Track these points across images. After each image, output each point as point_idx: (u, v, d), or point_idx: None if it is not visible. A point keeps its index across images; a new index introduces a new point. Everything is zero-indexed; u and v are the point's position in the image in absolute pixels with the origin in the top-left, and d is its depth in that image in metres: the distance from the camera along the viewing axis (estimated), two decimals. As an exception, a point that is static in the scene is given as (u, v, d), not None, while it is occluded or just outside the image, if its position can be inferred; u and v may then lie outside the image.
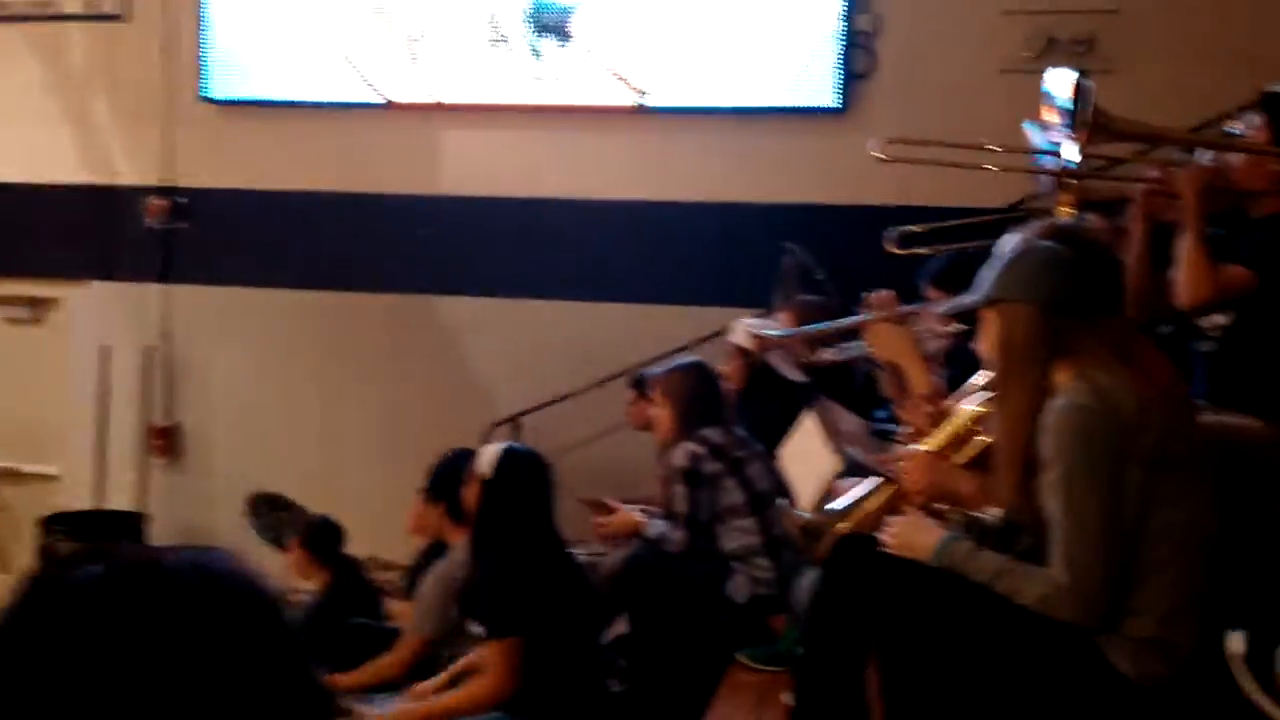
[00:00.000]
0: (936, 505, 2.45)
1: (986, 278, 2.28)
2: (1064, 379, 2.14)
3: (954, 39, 5.18)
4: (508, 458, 3.15)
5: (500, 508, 3.08)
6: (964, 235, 3.53)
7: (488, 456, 3.15)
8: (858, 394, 3.79)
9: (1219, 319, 2.86)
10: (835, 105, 5.29)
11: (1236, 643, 1.60)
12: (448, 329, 5.66)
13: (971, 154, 3.68)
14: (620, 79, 5.46)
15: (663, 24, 5.42)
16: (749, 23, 5.35)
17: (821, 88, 5.32)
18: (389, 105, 5.63)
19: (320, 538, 4.07)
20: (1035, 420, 2.12)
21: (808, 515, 2.64)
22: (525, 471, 3.16)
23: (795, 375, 3.71)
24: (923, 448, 2.46)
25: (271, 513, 4.97)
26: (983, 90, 4.92)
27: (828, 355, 3.30)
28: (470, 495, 3.15)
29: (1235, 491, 2.48)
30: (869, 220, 4.44)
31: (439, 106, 5.59)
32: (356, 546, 4.63)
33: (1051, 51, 4.99)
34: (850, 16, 5.24)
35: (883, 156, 3.25)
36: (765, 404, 3.75)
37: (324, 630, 3.60)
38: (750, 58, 5.36)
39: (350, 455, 5.71)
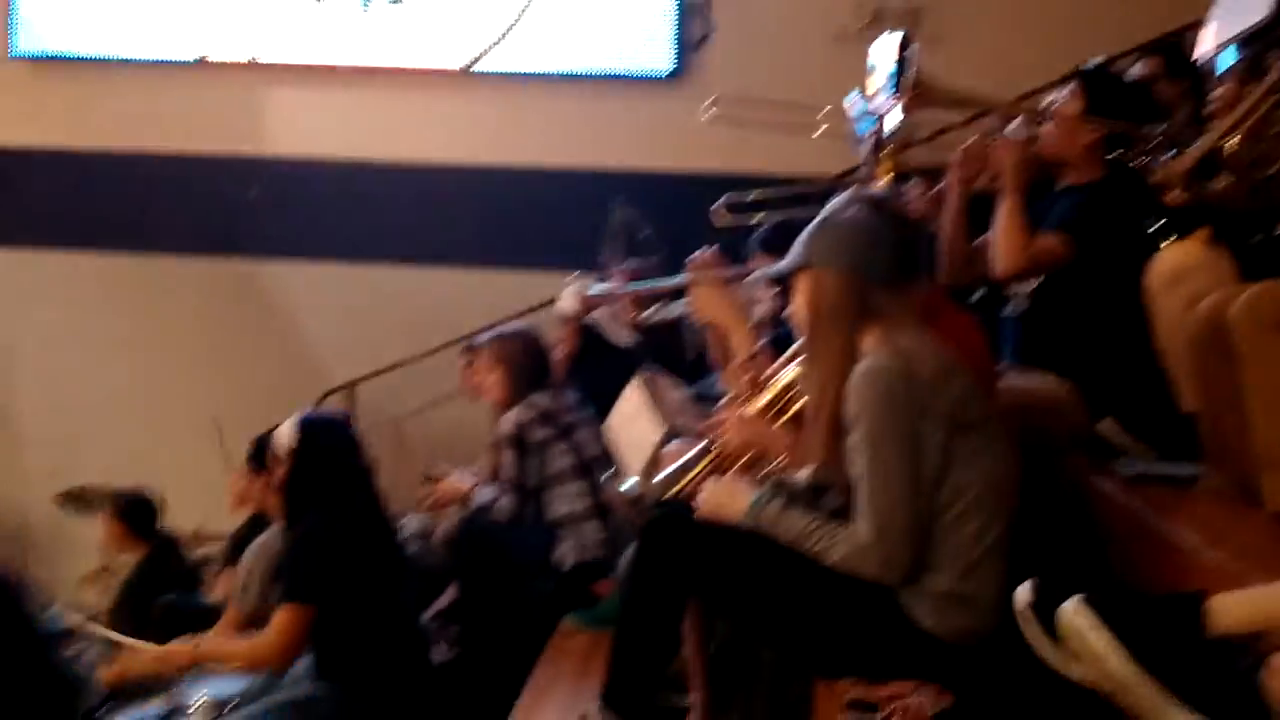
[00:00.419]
0: (758, 468, 2.48)
1: (799, 245, 2.32)
2: (870, 342, 2.19)
3: (787, 7, 5.24)
4: (310, 427, 3.06)
5: (307, 478, 3.00)
6: (791, 203, 3.58)
7: (289, 428, 3.06)
8: (691, 362, 3.82)
9: (1028, 283, 2.96)
10: (669, 72, 5.31)
11: (1024, 593, 1.67)
12: (275, 295, 5.50)
13: (800, 120, 3.73)
14: (451, 40, 5.36)
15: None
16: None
17: (656, 54, 5.33)
18: (204, 62, 5.40)
19: (133, 511, 3.91)
20: (843, 382, 2.16)
21: (633, 485, 2.64)
22: (330, 439, 3.08)
23: (625, 339, 3.71)
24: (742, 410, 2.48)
25: (82, 506, 4.75)
26: (815, 59, 4.98)
27: (652, 316, 3.30)
28: (278, 468, 3.06)
29: (1032, 449, 2.58)
30: (702, 187, 4.47)
31: (255, 65, 5.39)
32: (184, 518, 4.48)
33: (881, 21, 5.08)
34: (685, -16, 5.26)
35: (709, 119, 3.26)
36: (597, 370, 3.74)
37: (138, 605, 3.47)
38: (586, 23, 5.33)
39: (175, 426, 5.49)
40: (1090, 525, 2.47)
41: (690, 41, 5.32)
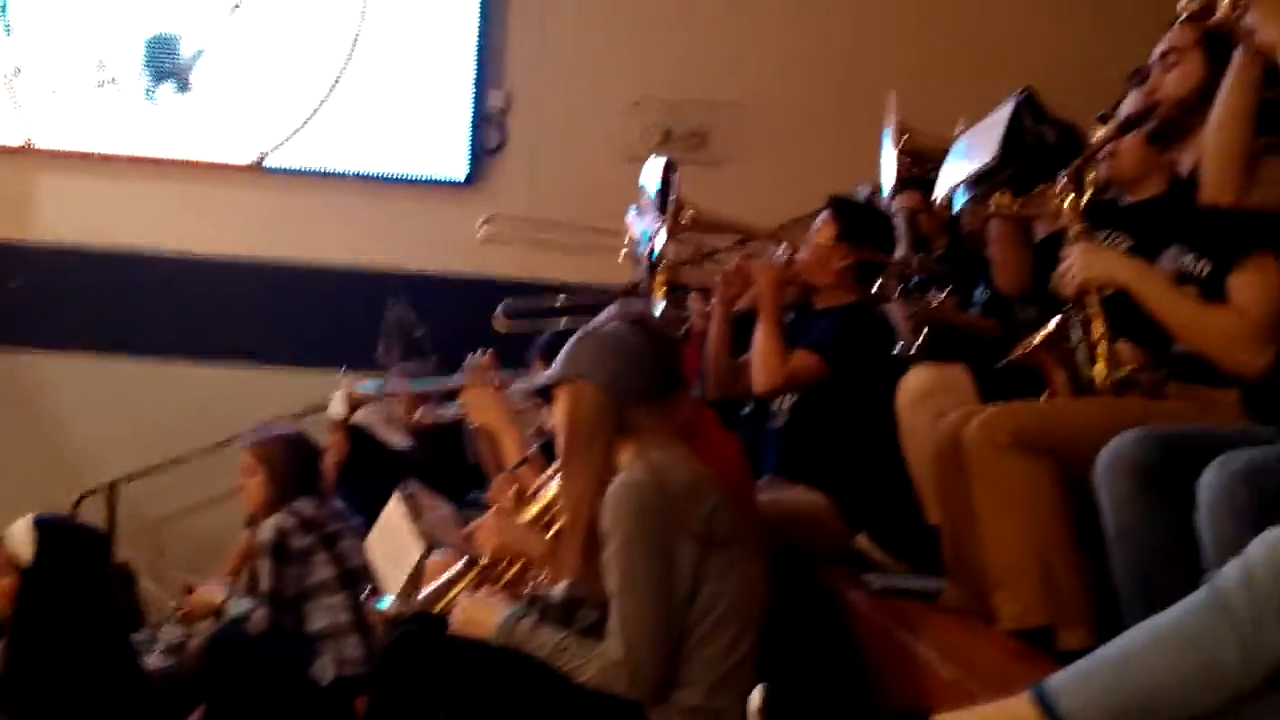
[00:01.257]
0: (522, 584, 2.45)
1: (559, 358, 2.33)
2: (625, 457, 2.21)
3: (582, 123, 5.36)
4: (48, 536, 2.84)
5: (38, 592, 2.78)
6: (571, 313, 3.62)
7: (22, 537, 2.82)
8: (469, 468, 3.77)
9: (788, 398, 3.06)
10: (463, 178, 5.34)
11: (755, 699, 1.69)
12: (31, 386, 5.16)
13: (576, 241, 3.81)
14: (242, 134, 5.26)
15: (292, 82, 5.28)
16: (382, 89, 5.31)
17: (451, 160, 5.35)
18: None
19: None
20: (599, 497, 2.16)
21: (392, 604, 2.56)
22: (67, 549, 2.86)
23: (400, 442, 3.64)
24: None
25: None
26: (607, 175, 5.08)
27: (425, 418, 3.26)
28: (6, 584, 2.81)
29: (791, 561, 2.64)
30: (494, 293, 4.49)
31: (29, 149, 5.15)
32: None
33: (669, 143, 5.26)
34: (481, 92, 5.32)
35: (483, 236, 3.31)
36: (370, 476, 3.65)
37: None
38: (382, 124, 5.32)
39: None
40: (842, 638, 2.53)
41: (485, 150, 5.36)
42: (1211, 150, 2.05)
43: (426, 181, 5.36)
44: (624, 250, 3.59)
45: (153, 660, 3.68)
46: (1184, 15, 1.96)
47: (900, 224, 3.43)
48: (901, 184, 3.31)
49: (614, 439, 2.22)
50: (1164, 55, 2.40)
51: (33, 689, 2.68)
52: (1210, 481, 1.68)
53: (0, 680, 2.75)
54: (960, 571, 2.40)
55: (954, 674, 2.03)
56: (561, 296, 3.73)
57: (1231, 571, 1.34)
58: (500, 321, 3.63)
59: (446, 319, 4.63)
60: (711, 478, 2.21)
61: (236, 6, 5.31)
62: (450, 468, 3.53)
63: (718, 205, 3.78)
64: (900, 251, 3.42)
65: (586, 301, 3.56)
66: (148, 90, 5.25)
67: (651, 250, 3.12)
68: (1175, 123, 2.36)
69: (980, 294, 3.26)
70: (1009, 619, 2.17)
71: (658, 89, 5.31)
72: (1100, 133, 2.67)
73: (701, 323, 3.37)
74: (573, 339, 2.32)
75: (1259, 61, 1.91)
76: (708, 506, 2.15)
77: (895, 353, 2.98)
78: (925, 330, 3.33)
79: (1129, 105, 2.58)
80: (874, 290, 3.16)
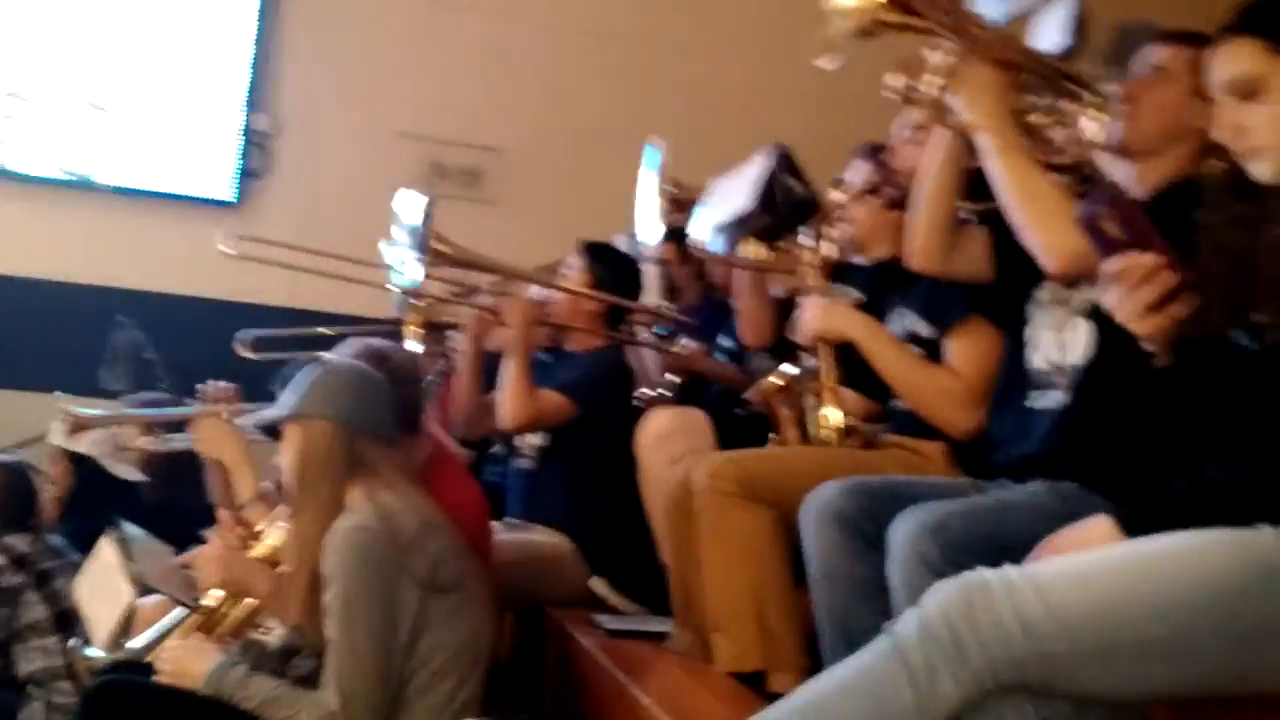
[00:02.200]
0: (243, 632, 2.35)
1: (290, 392, 2.26)
2: (355, 498, 2.15)
3: (350, 151, 5.25)
4: None
5: None
6: (322, 344, 3.51)
7: None
8: (207, 507, 3.59)
9: (535, 439, 3.06)
10: (229, 199, 5.15)
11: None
12: None
13: (343, 265, 3.73)
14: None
15: (49, 89, 4.99)
16: (148, 105, 5.08)
17: (217, 180, 5.17)
18: None
19: None
20: (325, 538, 2.10)
21: (99, 654, 2.40)
22: None
23: (132, 474, 3.44)
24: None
25: None
26: (373, 204, 4.95)
27: (150, 447, 3.09)
28: None
29: (528, 603, 2.62)
30: (255, 319, 4.33)
31: None
32: None
33: (441, 177, 5.21)
34: (250, 114, 5.16)
35: (230, 252, 3.20)
36: (97, 510, 3.42)
37: None
38: (147, 139, 5.09)
39: None
40: (570, 682, 2.53)
41: (251, 172, 5.19)
42: (919, 221, 2.18)
43: (192, 199, 5.13)
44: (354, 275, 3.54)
45: None
46: (894, 95, 2.07)
47: (655, 273, 3.51)
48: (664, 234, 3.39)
49: (345, 478, 2.15)
50: (917, 129, 2.53)
51: None
52: (900, 531, 1.76)
53: None
54: (686, 614, 2.45)
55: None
56: (321, 329, 3.62)
57: (908, 620, 1.39)
58: (243, 347, 3.50)
59: (197, 342, 4.43)
60: (440, 521, 2.18)
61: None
62: (185, 503, 3.35)
63: (491, 244, 3.77)
64: (654, 299, 3.50)
65: (340, 333, 3.47)
66: None
67: (407, 283, 3.07)
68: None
69: (725, 341, 3.36)
70: (725, 661, 2.23)
71: (426, 126, 5.27)
72: (839, 194, 2.80)
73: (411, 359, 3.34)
74: (306, 373, 2.25)
75: (961, 140, 2.04)
76: (433, 553, 2.11)
77: (639, 397, 3.03)
78: (675, 376, 3.42)
79: (858, 174, 2.73)
80: (623, 334, 3.22)
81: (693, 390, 3.26)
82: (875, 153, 2.76)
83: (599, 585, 2.88)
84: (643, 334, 3.30)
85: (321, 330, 3.49)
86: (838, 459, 2.30)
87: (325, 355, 2.50)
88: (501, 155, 5.33)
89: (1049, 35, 2.22)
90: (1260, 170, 1.51)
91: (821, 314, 2.45)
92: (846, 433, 2.45)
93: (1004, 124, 1.94)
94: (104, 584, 2.43)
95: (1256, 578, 1.36)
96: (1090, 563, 1.43)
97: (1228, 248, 1.51)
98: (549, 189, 5.31)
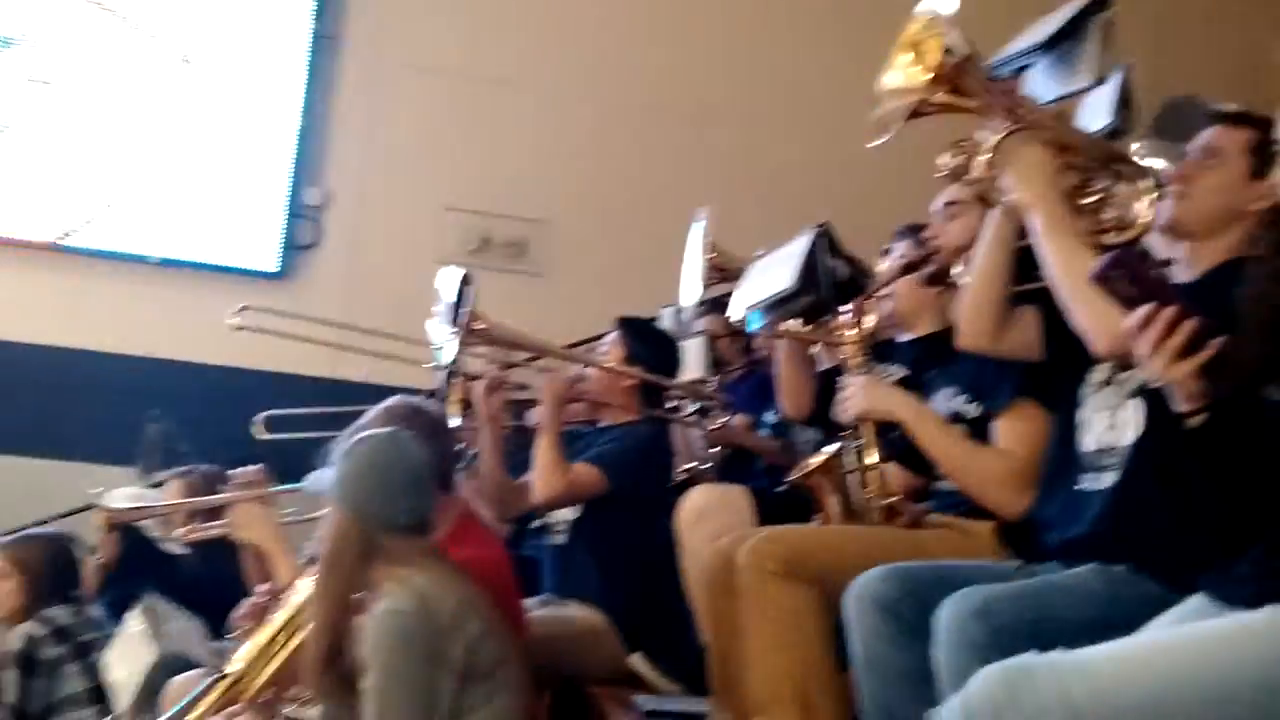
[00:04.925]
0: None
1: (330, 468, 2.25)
2: (386, 581, 2.12)
3: (398, 224, 5.32)
4: None
5: None
6: (340, 421, 3.49)
7: None
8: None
9: (567, 513, 3.05)
10: (275, 270, 5.22)
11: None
12: None
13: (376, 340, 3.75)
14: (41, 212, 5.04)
15: (102, 160, 5.11)
16: (197, 178, 5.19)
17: (264, 252, 5.24)
18: None
19: None
20: (343, 626, 2.09)
21: None
22: None
23: (175, 546, 3.46)
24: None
25: None
26: (420, 277, 5.02)
27: (191, 535, 3.12)
28: None
29: (564, 681, 2.59)
30: (301, 391, 4.38)
31: None
32: None
33: (487, 250, 5.27)
34: (298, 188, 5.24)
35: (239, 323, 3.24)
36: (137, 581, 3.44)
37: None
38: (195, 211, 5.18)
39: None
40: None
41: (298, 244, 5.27)
42: (968, 299, 2.16)
43: (239, 271, 5.20)
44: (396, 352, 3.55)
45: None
46: (944, 173, 2.07)
47: (699, 346, 3.51)
48: (707, 305, 3.39)
49: (360, 570, 2.13)
50: (948, 205, 2.54)
51: None
52: (946, 616, 1.73)
53: None
54: (726, 694, 2.40)
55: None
56: (339, 409, 3.61)
57: (953, 706, 1.37)
58: (260, 430, 3.53)
59: (240, 413, 4.47)
60: (477, 601, 2.16)
61: (46, 83, 5.13)
62: (226, 577, 3.36)
63: (538, 315, 3.78)
64: (700, 372, 3.49)
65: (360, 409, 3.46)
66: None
67: (452, 360, 3.07)
68: (950, 268, 2.50)
69: (769, 416, 3.34)
70: (767, 745, 2.17)
71: (472, 199, 5.33)
72: (882, 272, 2.80)
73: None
74: (338, 456, 2.24)
75: (1013, 219, 2.03)
76: (471, 637, 2.09)
77: (683, 472, 3.01)
78: (718, 450, 3.40)
79: (898, 253, 2.72)
80: (665, 410, 3.21)
81: (738, 466, 3.23)
82: (914, 231, 2.76)
83: (638, 663, 2.84)
84: (682, 409, 3.29)
85: (340, 409, 3.47)
86: (884, 539, 2.27)
87: (362, 420, 2.49)
88: (548, 227, 5.39)
89: (1098, 115, 2.22)
90: None
91: (866, 394, 2.42)
92: (891, 511, 2.41)
93: (1054, 204, 1.93)
94: (132, 653, 2.44)
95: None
96: (1137, 646, 1.40)
97: (1266, 300, 1.49)
98: (595, 260, 5.34)
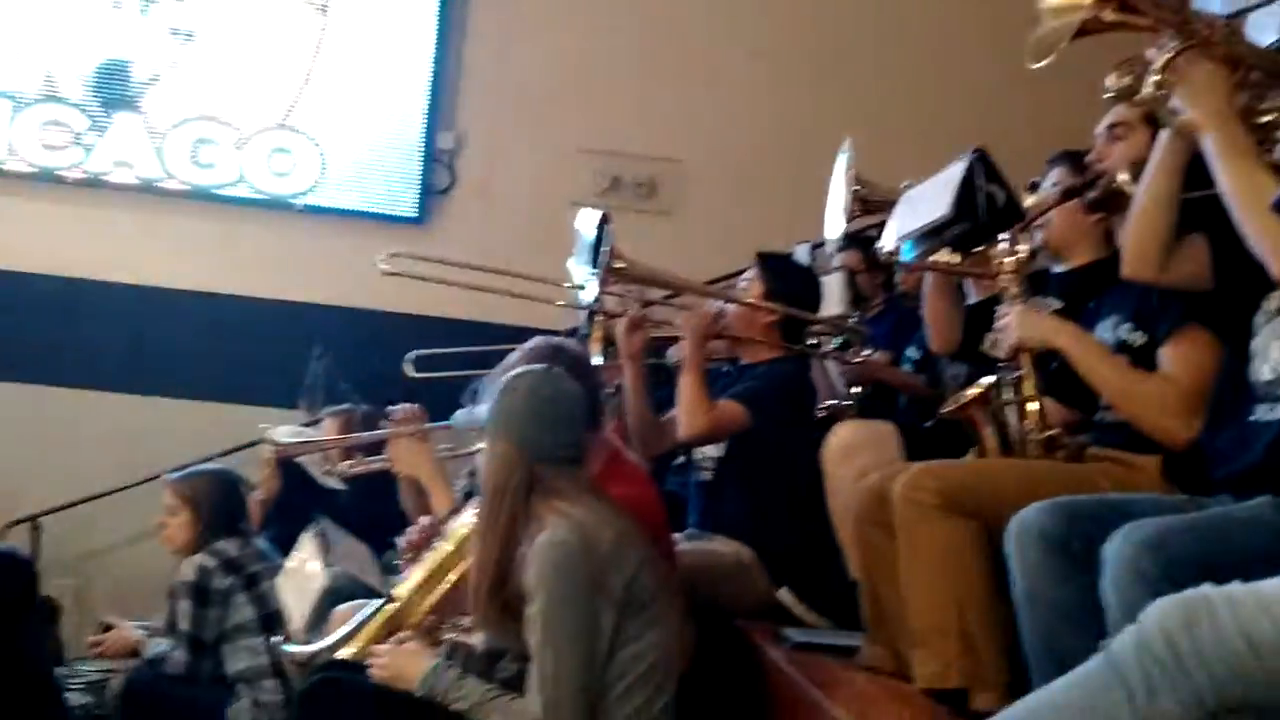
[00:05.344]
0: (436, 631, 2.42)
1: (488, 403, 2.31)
2: (548, 513, 2.17)
3: (531, 166, 5.37)
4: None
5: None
6: (486, 360, 3.56)
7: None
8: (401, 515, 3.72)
9: (712, 450, 3.06)
10: (413, 215, 5.33)
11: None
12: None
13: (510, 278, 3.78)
14: (190, 163, 5.22)
15: (243, 112, 5.26)
16: (335, 125, 5.30)
17: (402, 198, 5.35)
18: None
19: None
20: (504, 557, 2.14)
21: (299, 647, 2.51)
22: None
23: (333, 482, 3.59)
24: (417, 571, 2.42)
25: None
26: (554, 218, 5.07)
27: (352, 470, 3.23)
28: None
29: (711, 614, 2.62)
30: (445, 332, 4.48)
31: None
32: None
33: (617, 189, 5.28)
34: (432, 132, 5.32)
35: (388, 269, 3.30)
36: (298, 516, 3.58)
37: None
38: (334, 160, 5.30)
39: None
40: (758, 694, 2.51)
41: (434, 189, 5.36)
42: (1134, 228, 2.09)
43: (378, 217, 5.32)
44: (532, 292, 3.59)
45: (73, 698, 3.59)
46: (1111, 94, 1.99)
47: (840, 281, 3.47)
48: (845, 240, 3.34)
49: (524, 502, 2.18)
50: (1112, 128, 2.44)
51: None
52: (1116, 548, 1.69)
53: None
54: (879, 629, 2.40)
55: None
56: (486, 347, 3.67)
57: (1126, 638, 1.34)
58: (409, 368, 3.61)
59: (387, 355, 4.58)
60: (635, 532, 2.20)
61: (190, 35, 5.28)
62: (381, 512, 3.48)
63: (668, 255, 3.78)
64: (840, 308, 3.46)
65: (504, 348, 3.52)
66: (95, 115, 5.19)
67: (593, 299, 3.10)
68: (1116, 193, 2.41)
69: (912, 352, 3.29)
70: (925, 679, 2.17)
71: (604, 139, 5.34)
72: (1037, 198, 2.71)
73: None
74: (497, 390, 2.29)
75: (1185, 140, 1.95)
76: (630, 569, 2.13)
77: (824, 408, 2.99)
78: (860, 386, 3.37)
79: (1050, 182, 2.63)
80: (806, 346, 3.18)
81: (882, 402, 3.20)
82: (1072, 158, 2.66)
83: (786, 596, 2.86)
84: (823, 345, 3.26)
85: (486, 348, 3.53)
86: (1045, 473, 2.22)
87: (507, 360, 2.53)
88: (679, 166, 5.37)
89: (1268, 29, 2.11)
90: None
91: (1025, 322, 2.36)
92: (1051, 444, 2.36)
93: (1230, 123, 1.84)
94: (302, 577, 2.54)
95: None
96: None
97: None
98: (726, 199, 5.32)
